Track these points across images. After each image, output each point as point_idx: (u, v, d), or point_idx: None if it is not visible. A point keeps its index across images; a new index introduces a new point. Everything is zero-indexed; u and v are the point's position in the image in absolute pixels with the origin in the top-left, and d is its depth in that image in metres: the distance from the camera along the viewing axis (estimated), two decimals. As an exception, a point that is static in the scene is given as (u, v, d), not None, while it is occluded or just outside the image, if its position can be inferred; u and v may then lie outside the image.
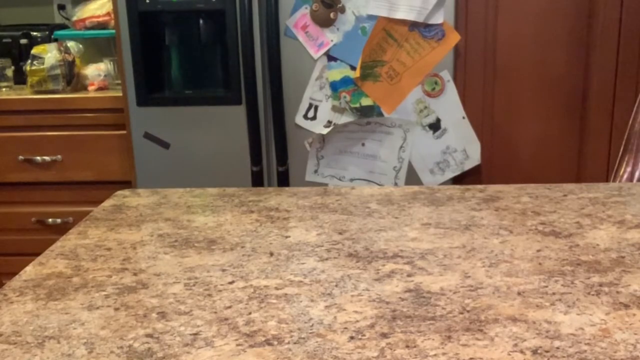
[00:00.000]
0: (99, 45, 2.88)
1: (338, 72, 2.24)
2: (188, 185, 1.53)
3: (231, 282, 1.01)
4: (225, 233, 1.21)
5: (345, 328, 0.87)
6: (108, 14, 2.70)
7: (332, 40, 2.21)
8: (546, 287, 0.97)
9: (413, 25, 2.19)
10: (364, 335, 0.85)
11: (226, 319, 0.90)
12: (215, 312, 0.92)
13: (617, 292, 0.95)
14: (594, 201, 1.32)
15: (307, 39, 2.23)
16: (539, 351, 0.81)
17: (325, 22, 2.21)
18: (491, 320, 0.88)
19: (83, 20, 2.75)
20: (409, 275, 1.02)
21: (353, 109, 2.25)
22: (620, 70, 2.27)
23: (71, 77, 2.71)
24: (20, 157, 2.57)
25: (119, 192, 1.45)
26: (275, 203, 1.36)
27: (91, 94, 2.63)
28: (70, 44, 2.76)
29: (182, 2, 2.26)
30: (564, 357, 0.80)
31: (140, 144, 2.36)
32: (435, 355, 0.81)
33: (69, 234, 1.22)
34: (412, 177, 2.30)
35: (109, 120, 2.53)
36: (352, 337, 0.85)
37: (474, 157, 2.29)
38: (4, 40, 2.83)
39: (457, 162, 2.30)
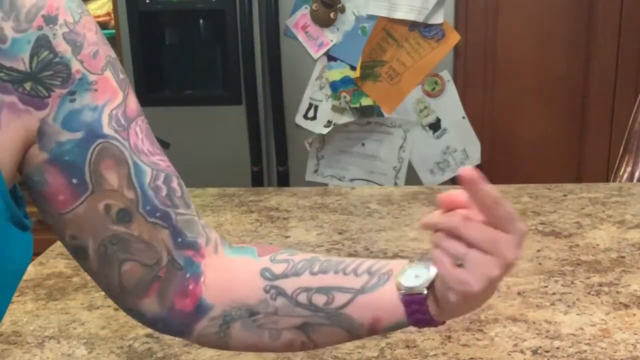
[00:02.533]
0: (99, 45, 2.87)
1: (338, 72, 2.24)
2: (188, 185, 1.53)
3: (231, 282, 1.01)
4: (225, 233, 1.21)
5: (345, 328, 0.87)
6: (108, 14, 2.70)
7: (332, 40, 2.21)
8: (546, 287, 0.97)
9: (413, 25, 2.18)
10: (364, 335, 0.85)
11: (226, 319, 0.90)
12: (215, 312, 0.92)
13: (617, 292, 0.95)
14: (594, 201, 1.32)
15: (307, 39, 2.23)
16: (539, 351, 0.81)
17: (325, 22, 2.21)
18: (491, 320, 0.88)
19: (83, 20, 2.75)
20: (409, 275, 1.02)
21: (353, 109, 2.25)
22: (620, 70, 2.27)
23: (71, 77, 2.70)
24: (20, 157, 2.57)
25: (119, 192, 1.45)
26: (275, 203, 1.36)
27: (91, 94, 2.62)
28: (70, 44, 2.76)
29: (182, 2, 2.26)
30: (564, 357, 0.80)
31: (140, 144, 2.36)
32: (435, 355, 0.81)
33: (69, 234, 1.22)
34: (412, 177, 2.29)
35: (109, 120, 2.53)
36: (352, 337, 0.85)
37: (474, 157, 2.29)
38: (4, 40, 2.83)
39: (457, 162, 2.30)
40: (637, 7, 2.21)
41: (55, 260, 1.11)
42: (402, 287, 0.60)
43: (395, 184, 2.28)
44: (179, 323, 0.66)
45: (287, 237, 1.18)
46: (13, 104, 0.57)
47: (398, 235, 1.17)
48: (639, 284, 0.98)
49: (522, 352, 0.81)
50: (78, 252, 0.64)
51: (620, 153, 1.69)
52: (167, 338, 0.85)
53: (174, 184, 0.66)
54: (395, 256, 1.09)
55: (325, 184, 2.23)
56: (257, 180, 2.31)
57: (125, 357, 0.82)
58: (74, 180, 0.60)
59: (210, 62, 2.42)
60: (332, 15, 2.20)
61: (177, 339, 0.85)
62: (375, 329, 0.62)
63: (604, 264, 1.05)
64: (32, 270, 1.07)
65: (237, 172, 2.30)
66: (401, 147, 2.29)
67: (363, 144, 2.30)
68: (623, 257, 1.07)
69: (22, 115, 0.58)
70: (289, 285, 0.64)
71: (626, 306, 0.91)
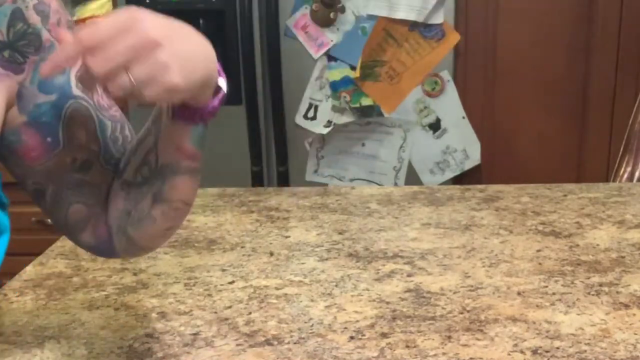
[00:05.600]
0: (99, 45, 2.87)
1: (338, 72, 2.24)
2: (188, 185, 1.53)
3: (231, 282, 1.01)
4: (225, 233, 1.21)
5: (345, 328, 0.87)
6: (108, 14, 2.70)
7: (332, 40, 2.21)
8: (546, 287, 0.97)
9: (413, 25, 2.18)
10: (364, 335, 0.85)
11: (226, 319, 0.90)
12: (215, 312, 0.92)
13: (617, 292, 0.95)
14: (594, 201, 1.32)
15: (307, 39, 2.23)
16: (539, 351, 0.81)
17: (325, 22, 2.21)
18: (491, 320, 0.88)
19: (83, 20, 2.75)
20: (409, 275, 1.02)
21: (353, 109, 2.25)
22: (620, 71, 2.27)
23: (71, 77, 2.70)
24: (20, 157, 2.57)
25: (119, 192, 1.45)
26: (275, 203, 1.36)
27: (91, 94, 2.62)
28: (70, 44, 2.76)
29: (182, 2, 2.26)
30: (564, 357, 0.80)
31: (140, 144, 2.35)
32: (435, 355, 0.81)
33: (69, 234, 1.22)
34: (412, 177, 2.29)
35: (109, 120, 2.52)
36: (352, 337, 0.85)
37: (474, 157, 2.29)
38: (4, 40, 2.82)
39: (457, 162, 2.30)
40: (637, 7, 2.21)
41: (55, 260, 1.11)
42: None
43: (395, 184, 2.28)
44: (105, 248, 0.77)
45: (287, 237, 1.18)
46: None
47: (398, 235, 1.18)
48: (639, 284, 0.98)
49: (522, 352, 0.81)
50: (36, 194, 0.73)
51: (620, 153, 1.69)
52: (167, 338, 0.86)
53: (126, 131, 0.76)
54: (395, 256, 1.09)
55: (325, 184, 2.23)
56: (257, 180, 2.31)
57: (125, 357, 0.82)
58: (49, 139, 0.69)
59: (210, 62, 2.41)
60: (332, 15, 2.20)
61: (177, 338, 0.85)
62: (186, 151, 0.73)
63: (604, 264, 1.05)
64: (32, 270, 1.07)
65: (237, 172, 2.30)
66: (401, 147, 2.29)
67: (363, 144, 2.30)
68: (623, 257, 1.07)
69: (4, 79, 0.65)
70: (127, 175, 0.73)
71: (626, 306, 0.91)
